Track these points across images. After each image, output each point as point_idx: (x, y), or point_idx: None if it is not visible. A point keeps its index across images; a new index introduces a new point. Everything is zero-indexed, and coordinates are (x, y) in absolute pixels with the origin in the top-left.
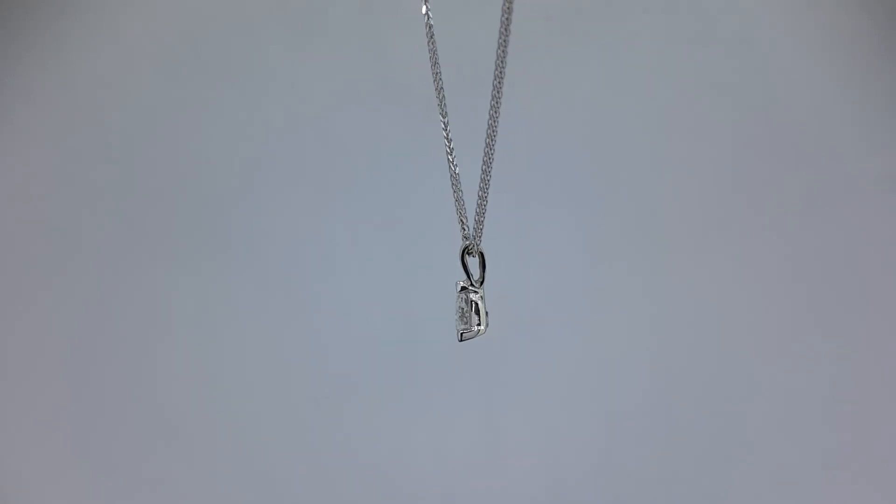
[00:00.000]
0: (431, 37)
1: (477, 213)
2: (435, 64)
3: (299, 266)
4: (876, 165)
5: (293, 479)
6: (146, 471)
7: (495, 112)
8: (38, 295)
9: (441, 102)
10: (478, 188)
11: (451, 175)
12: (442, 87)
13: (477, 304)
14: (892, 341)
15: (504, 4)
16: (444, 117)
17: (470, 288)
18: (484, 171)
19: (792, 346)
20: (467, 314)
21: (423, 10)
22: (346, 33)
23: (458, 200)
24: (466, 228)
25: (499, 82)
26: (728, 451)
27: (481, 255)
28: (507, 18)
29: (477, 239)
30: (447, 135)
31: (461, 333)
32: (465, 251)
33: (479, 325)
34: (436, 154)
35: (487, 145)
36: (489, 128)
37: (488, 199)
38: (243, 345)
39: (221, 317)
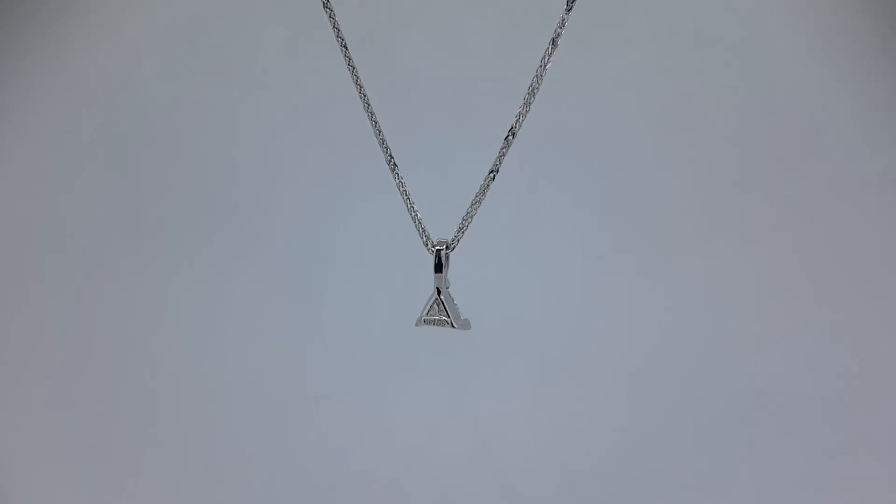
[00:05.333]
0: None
1: (467, 216)
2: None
3: (298, 263)
4: (877, 165)
5: (292, 477)
6: (144, 469)
7: (523, 115)
8: (38, 293)
9: (370, 113)
10: (477, 190)
11: (399, 186)
12: (366, 97)
13: (435, 300)
14: (894, 340)
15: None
16: (375, 125)
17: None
18: (491, 173)
19: (794, 344)
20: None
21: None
22: (346, 33)
23: (410, 209)
24: (426, 236)
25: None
26: (731, 450)
27: (443, 259)
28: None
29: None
30: (387, 148)
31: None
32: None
33: (420, 318)
34: (435, 152)
35: (504, 146)
36: (513, 128)
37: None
38: (242, 342)
39: (220, 314)
